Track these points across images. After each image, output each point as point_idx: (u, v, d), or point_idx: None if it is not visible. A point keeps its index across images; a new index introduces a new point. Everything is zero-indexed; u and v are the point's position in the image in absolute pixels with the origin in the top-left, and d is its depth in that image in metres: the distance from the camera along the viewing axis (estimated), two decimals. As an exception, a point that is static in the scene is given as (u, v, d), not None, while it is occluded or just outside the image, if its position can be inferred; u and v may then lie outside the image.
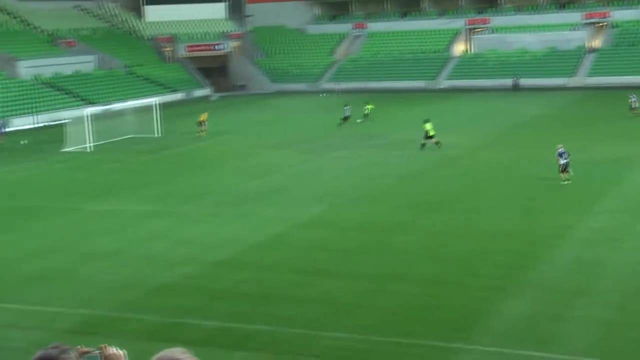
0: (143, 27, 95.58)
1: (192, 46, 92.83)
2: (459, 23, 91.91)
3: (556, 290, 20.74)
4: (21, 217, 31.74)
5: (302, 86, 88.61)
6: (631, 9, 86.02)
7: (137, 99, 65.43)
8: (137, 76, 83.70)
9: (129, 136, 54.51)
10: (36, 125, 53.95)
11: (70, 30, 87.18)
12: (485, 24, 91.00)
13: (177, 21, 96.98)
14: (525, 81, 79.97)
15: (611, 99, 65.57)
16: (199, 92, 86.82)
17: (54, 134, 55.40)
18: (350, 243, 25.98)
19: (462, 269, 22.85)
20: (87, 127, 50.01)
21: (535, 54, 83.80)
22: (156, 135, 54.26)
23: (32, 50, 79.08)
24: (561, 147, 33.99)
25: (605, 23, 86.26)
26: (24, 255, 25.99)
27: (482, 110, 62.86)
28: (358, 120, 56.87)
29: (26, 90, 71.33)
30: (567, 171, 33.66)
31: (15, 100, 68.78)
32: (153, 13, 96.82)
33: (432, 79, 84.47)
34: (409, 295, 20.80)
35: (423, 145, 44.17)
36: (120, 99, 68.71)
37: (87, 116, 50.69)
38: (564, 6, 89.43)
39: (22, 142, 53.45)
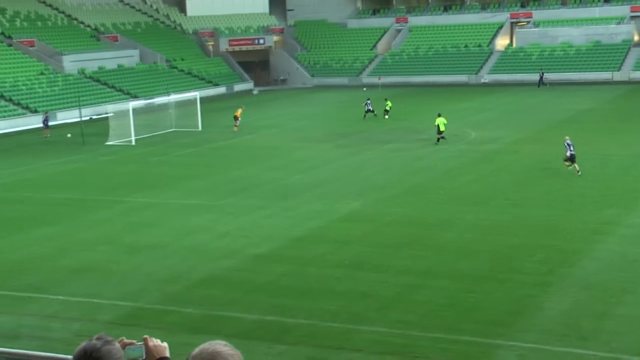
0: (185, 22, 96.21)
1: (233, 40, 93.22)
2: (502, 17, 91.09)
3: (599, 287, 20.50)
4: (67, 209, 32.18)
5: (343, 80, 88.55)
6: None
7: (179, 93, 65.92)
8: (179, 70, 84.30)
9: (171, 130, 54.95)
10: (82, 119, 54.53)
11: (113, 25, 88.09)
12: (528, 17, 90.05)
13: (219, 15, 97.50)
14: (569, 76, 79.13)
15: (657, 93, 64.56)
16: (240, 86, 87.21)
17: (99, 128, 56.05)
18: (391, 238, 25.92)
19: (504, 264, 22.68)
20: (131, 121, 50.50)
21: (579, 48, 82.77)
22: (198, 129, 54.62)
23: (76, 45, 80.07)
24: (568, 139, 35.07)
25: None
26: (69, 247, 26.35)
27: (525, 105, 62.27)
28: (386, 117, 56.56)
29: (71, 84, 72.28)
30: (573, 162, 34.51)
31: (60, 94, 69.75)
32: (195, 7, 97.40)
33: (475, 74, 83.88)
34: (450, 291, 20.69)
35: (438, 139, 44.35)
36: (162, 93, 69.28)
37: (131, 110, 51.18)
38: (609, 0, 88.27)
39: (67, 136, 54.13)
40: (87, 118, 61.79)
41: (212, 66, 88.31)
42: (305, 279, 22.13)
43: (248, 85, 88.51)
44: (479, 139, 45.87)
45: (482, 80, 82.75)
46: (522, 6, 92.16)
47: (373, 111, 57.79)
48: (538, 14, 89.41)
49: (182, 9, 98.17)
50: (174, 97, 60.82)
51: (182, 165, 41.67)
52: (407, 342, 17.61)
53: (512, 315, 18.85)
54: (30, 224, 29.65)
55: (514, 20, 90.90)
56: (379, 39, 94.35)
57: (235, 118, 53.70)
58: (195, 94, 59.56)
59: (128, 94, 74.44)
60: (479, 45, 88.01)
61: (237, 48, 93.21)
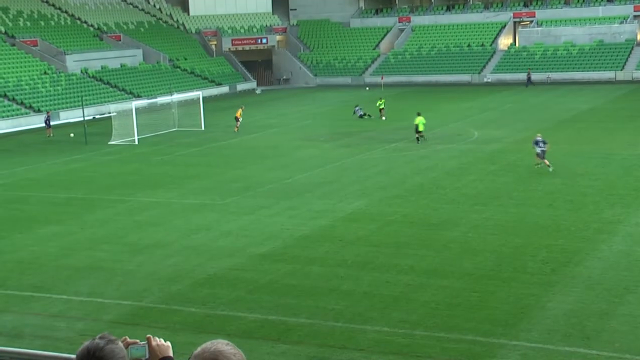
0: (188, 21, 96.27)
1: (236, 40, 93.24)
2: (504, 16, 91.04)
3: (603, 286, 20.47)
4: (70, 209, 32.21)
5: (346, 80, 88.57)
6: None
7: (182, 93, 65.97)
8: (182, 70, 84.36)
9: (174, 129, 54.99)
10: (86, 118, 54.58)
11: (116, 25, 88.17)
12: (531, 17, 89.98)
13: (222, 15, 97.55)
14: (573, 75, 79.13)
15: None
16: (243, 86, 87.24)
17: (102, 127, 56.11)
18: (395, 237, 25.91)
19: (507, 264, 22.66)
20: (134, 120, 50.54)
21: (582, 47, 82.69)
22: (201, 128, 54.66)
23: (79, 44, 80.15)
24: (539, 136, 35.97)
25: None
26: (72, 247, 26.38)
27: (529, 105, 62.22)
28: (383, 118, 56.14)
29: (74, 83, 72.35)
30: (544, 159, 35.24)
31: (64, 94, 69.82)
32: (198, 6, 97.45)
33: (478, 73, 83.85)
34: (453, 291, 20.68)
35: (418, 139, 44.67)
36: (165, 93, 69.35)
37: (133, 109, 51.22)
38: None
39: (70, 135, 54.17)
40: (90, 117, 61.84)
41: (215, 66, 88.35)
42: (308, 279, 22.13)
43: (251, 84, 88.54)
44: (482, 138, 45.85)
45: (485, 80, 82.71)
46: (525, 5, 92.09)
47: (364, 115, 57.49)
48: (541, 14, 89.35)
49: (185, 8, 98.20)
50: (176, 97, 60.87)
51: (185, 165, 41.69)
52: (410, 342, 17.60)
53: (515, 314, 18.83)
54: (33, 224, 29.67)
55: (517, 19, 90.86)
56: (382, 39, 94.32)
57: (236, 119, 53.55)
58: (198, 94, 59.60)
59: (131, 93, 74.49)
60: (482, 45, 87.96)
61: (239, 47, 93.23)
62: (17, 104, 65.93)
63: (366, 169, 38.28)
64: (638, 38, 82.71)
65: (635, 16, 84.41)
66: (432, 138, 46.47)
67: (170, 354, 4.10)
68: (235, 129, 52.86)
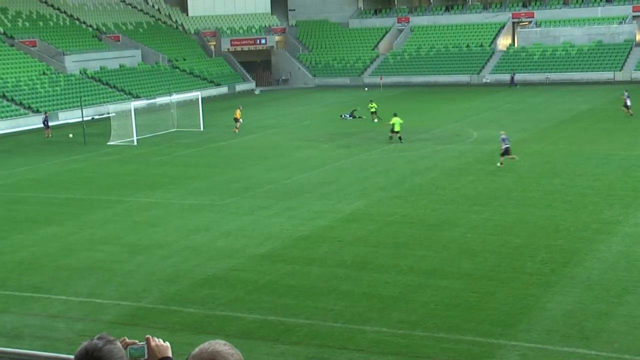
0: (187, 22, 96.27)
1: (235, 40, 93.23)
2: (503, 17, 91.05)
3: (602, 287, 20.48)
4: (69, 209, 32.20)
5: (345, 80, 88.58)
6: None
7: (181, 93, 65.96)
8: (181, 70, 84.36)
9: (173, 130, 54.99)
10: (84, 119, 54.56)
11: (115, 25, 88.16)
12: (530, 17, 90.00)
13: (221, 15, 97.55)
14: (571, 75, 79.18)
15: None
16: (242, 87, 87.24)
17: (101, 128, 56.11)
18: (394, 237, 25.92)
19: (507, 264, 22.67)
20: (133, 121, 50.53)
21: (581, 47, 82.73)
22: (200, 129, 54.65)
23: (78, 45, 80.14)
24: (503, 134, 37.42)
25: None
26: (72, 247, 26.37)
27: (527, 105, 62.24)
28: (375, 120, 55.58)
29: (73, 84, 72.34)
30: (509, 155, 36.61)
31: (62, 94, 69.81)
32: (197, 7, 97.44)
33: (477, 73, 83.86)
34: (452, 291, 20.68)
35: (400, 138, 45.03)
36: (164, 93, 69.34)
37: (132, 110, 51.22)
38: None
39: (69, 136, 54.16)
40: (89, 118, 61.82)
41: (214, 66, 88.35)
42: (308, 279, 22.13)
43: (250, 85, 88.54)
44: (481, 138, 45.85)
45: (484, 80, 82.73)
46: (524, 6, 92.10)
47: (354, 117, 57.65)
48: (540, 14, 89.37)
49: (184, 9, 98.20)
50: (175, 97, 60.84)
51: (184, 165, 41.69)
52: (409, 342, 17.60)
53: (514, 315, 18.84)
54: (32, 224, 29.67)
55: (516, 20, 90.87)
56: (381, 39, 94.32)
57: (236, 120, 53.39)
58: (197, 94, 59.58)
59: (130, 94, 74.48)
60: (481, 45, 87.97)
61: (238, 48, 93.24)
62: (16, 104, 65.90)
63: (365, 169, 38.28)
64: (637, 38, 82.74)
65: (634, 16, 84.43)
66: (432, 138, 46.48)
67: (169, 354, 4.10)
68: (235, 130, 52.76)
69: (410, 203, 30.72)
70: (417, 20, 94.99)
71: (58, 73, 73.31)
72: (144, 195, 34.10)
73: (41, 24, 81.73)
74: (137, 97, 72.13)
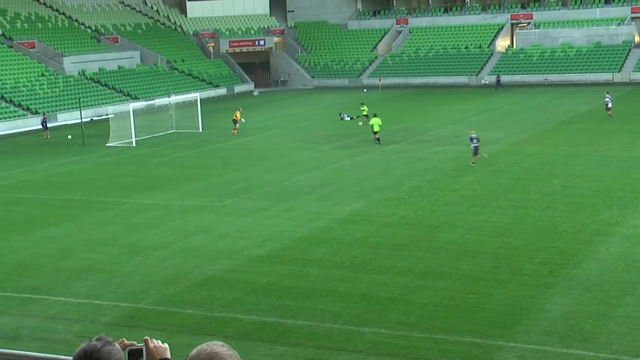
0: (186, 23, 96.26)
1: (234, 42, 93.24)
2: (502, 18, 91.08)
3: (600, 288, 20.48)
4: (67, 211, 32.19)
5: (344, 82, 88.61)
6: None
7: (179, 95, 65.95)
8: (180, 71, 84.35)
9: (171, 131, 54.98)
10: (83, 120, 54.53)
11: (114, 26, 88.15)
12: (529, 19, 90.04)
13: (220, 16, 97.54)
14: (570, 77, 79.24)
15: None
16: (241, 88, 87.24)
17: (99, 129, 56.10)
18: (393, 239, 25.92)
19: (505, 266, 22.67)
20: (131, 122, 50.53)
21: (580, 49, 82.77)
22: (199, 130, 54.64)
23: (77, 46, 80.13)
24: (473, 133, 38.31)
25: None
26: (70, 249, 26.36)
27: (526, 106, 62.27)
28: (360, 123, 55.32)
29: (71, 85, 72.33)
30: (477, 154, 37.48)
31: (61, 96, 69.79)
32: (196, 8, 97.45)
33: (475, 75, 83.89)
34: (451, 292, 20.68)
35: (378, 139, 45.62)
36: (163, 95, 69.33)
37: (131, 111, 51.21)
38: (610, 1, 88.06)
39: (68, 137, 54.14)
40: (88, 119, 61.80)
41: (213, 67, 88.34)
42: (306, 280, 22.13)
43: (248, 86, 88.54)
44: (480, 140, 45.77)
45: (483, 82, 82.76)
46: (523, 7, 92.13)
47: (352, 118, 57.71)
48: (538, 15, 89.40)
49: (183, 10, 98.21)
50: (174, 99, 60.84)
51: (182, 167, 41.68)
52: (407, 344, 17.60)
53: (513, 316, 18.84)
54: (31, 226, 29.66)
55: (515, 21, 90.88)
56: (380, 40, 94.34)
57: (234, 122, 53.26)
58: (196, 96, 59.58)
59: (128, 95, 74.47)
60: (480, 47, 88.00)
61: (237, 49, 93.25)
62: (15, 105, 65.88)
63: (364, 170, 38.28)
64: (635, 40, 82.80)
65: (632, 18, 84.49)
66: (430, 140, 46.49)
67: (168, 355, 4.10)
68: (234, 132, 52.64)
69: (409, 204, 30.72)
70: (415, 21, 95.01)
71: (57, 74, 73.29)
72: (143, 197, 34.10)
73: (40, 25, 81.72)
74: (136, 98, 72.12)
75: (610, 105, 52.48)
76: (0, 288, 22.60)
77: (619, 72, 78.68)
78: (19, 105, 66.12)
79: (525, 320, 18.54)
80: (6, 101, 65.97)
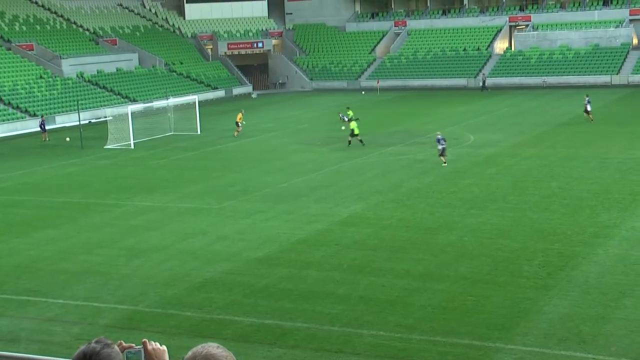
0: (184, 25, 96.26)
1: (232, 44, 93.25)
2: (500, 20, 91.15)
3: (599, 290, 20.49)
4: (66, 213, 32.17)
5: (342, 84, 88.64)
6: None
7: (178, 97, 65.95)
8: (178, 74, 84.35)
9: (170, 133, 54.97)
10: (81, 122, 54.50)
11: (112, 29, 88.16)
12: (527, 21, 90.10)
13: (218, 19, 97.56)
14: (568, 79, 79.31)
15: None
16: (239, 90, 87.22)
17: (97, 131, 56.08)
18: (392, 241, 25.92)
19: (504, 268, 22.67)
20: (130, 125, 50.51)
21: (578, 51, 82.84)
22: (197, 132, 54.64)
23: (75, 49, 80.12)
24: (439, 134, 39.52)
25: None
26: (68, 251, 26.34)
27: (524, 109, 62.28)
28: (342, 128, 54.75)
29: (70, 87, 72.31)
30: (444, 155, 38.57)
31: (59, 98, 69.77)
32: (194, 11, 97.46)
33: (473, 77, 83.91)
34: (449, 294, 20.69)
35: (361, 141, 45.56)
36: (161, 97, 69.31)
37: (129, 113, 51.20)
38: (608, 3, 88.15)
39: (66, 139, 54.13)
40: (86, 122, 61.78)
41: (211, 70, 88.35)
42: (305, 283, 22.12)
43: (247, 88, 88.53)
44: (478, 142, 45.89)
45: (481, 84, 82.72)
46: (521, 9, 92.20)
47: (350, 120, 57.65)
48: (537, 18, 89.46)
49: (181, 12, 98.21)
50: (172, 101, 60.83)
51: (180, 169, 41.67)
52: (406, 346, 17.60)
53: (511, 318, 18.84)
54: (29, 228, 29.64)
55: (513, 23, 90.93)
56: (378, 43, 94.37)
57: (237, 124, 53.19)
58: (194, 98, 59.56)
59: (127, 97, 74.44)
60: (478, 49, 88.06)
61: (235, 52, 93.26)
62: (13, 108, 65.85)
63: (362, 173, 38.29)
64: (634, 42, 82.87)
65: (630, 20, 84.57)
66: (428, 142, 46.47)
67: (166, 358, 4.10)
68: (235, 134, 52.58)
69: (407, 207, 30.72)
70: (414, 23, 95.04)
71: (55, 77, 73.27)
72: (141, 199, 34.08)
73: (38, 27, 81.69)
74: (134, 100, 72.11)
75: (589, 108, 52.51)
76: (-1, 290, 22.59)
77: (617, 74, 78.74)
78: (18, 107, 66.09)
79: (523, 323, 18.54)
80: (4, 103, 65.94)
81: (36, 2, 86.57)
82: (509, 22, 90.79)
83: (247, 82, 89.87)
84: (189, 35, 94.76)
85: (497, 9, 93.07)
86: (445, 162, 38.46)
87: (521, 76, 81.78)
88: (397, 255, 24.34)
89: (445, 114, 61.01)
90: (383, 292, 21.01)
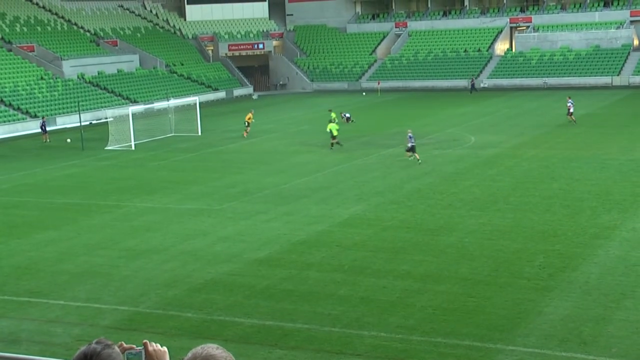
0: (185, 26, 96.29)
1: (233, 45, 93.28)
2: (501, 21, 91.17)
3: (600, 291, 20.48)
4: (66, 214, 32.17)
5: (343, 85, 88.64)
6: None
7: (178, 98, 65.95)
8: (179, 75, 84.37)
9: (170, 135, 54.97)
10: (82, 123, 54.51)
11: (113, 30, 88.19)
12: (528, 22, 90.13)
13: (219, 20, 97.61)
14: (569, 80, 79.31)
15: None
16: (240, 91, 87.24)
17: (98, 132, 56.10)
18: (392, 242, 25.92)
19: (505, 269, 22.66)
20: (130, 126, 50.52)
21: (579, 52, 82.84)
22: (198, 134, 54.65)
23: (76, 50, 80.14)
24: (410, 132, 40.47)
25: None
26: (69, 252, 26.33)
27: (525, 110, 62.29)
28: (328, 130, 54.41)
29: (70, 89, 72.33)
30: (414, 153, 39.72)
31: (60, 99, 69.79)
32: (195, 12, 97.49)
33: (474, 78, 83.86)
34: (450, 296, 20.68)
35: (332, 144, 45.91)
36: (162, 98, 69.32)
37: (130, 115, 51.22)
38: (609, 4, 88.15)
39: (67, 141, 54.15)
40: (87, 123, 61.80)
41: (212, 71, 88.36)
42: (305, 284, 22.11)
43: (247, 90, 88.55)
44: (478, 143, 45.88)
45: (482, 85, 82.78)
46: (522, 11, 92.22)
47: (350, 119, 57.88)
48: (537, 19, 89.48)
49: (182, 14, 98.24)
50: (173, 102, 60.85)
51: (181, 170, 41.68)
52: (407, 347, 17.59)
53: (512, 319, 18.83)
54: (29, 229, 29.64)
55: (514, 25, 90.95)
56: (379, 44, 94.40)
57: (247, 124, 53.11)
58: (195, 99, 59.59)
59: (127, 98, 74.46)
60: (479, 50, 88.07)
61: (236, 53, 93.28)
62: (14, 109, 65.88)
63: (363, 174, 38.28)
64: (634, 43, 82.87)
65: (631, 21, 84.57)
66: (429, 143, 46.50)
67: (167, 359, 4.09)
68: (245, 134, 52.42)
69: (408, 208, 30.72)
70: (414, 25, 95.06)
71: (56, 78, 73.30)
72: (142, 200, 34.08)
73: (39, 29, 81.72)
74: (135, 102, 72.13)
75: (572, 110, 52.48)
76: (0, 291, 22.60)
77: (618, 75, 78.73)
78: (18, 108, 66.12)
79: (524, 324, 18.53)
80: (5, 105, 65.96)
81: (37, 4, 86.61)
82: (510, 23, 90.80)
83: (247, 83, 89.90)
84: (190, 37, 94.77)
85: (498, 10, 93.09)
86: (419, 159, 39.33)
87: (522, 77, 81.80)
88: (398, 256, 24.33)
89: (446, 115, 61.00)
90: (384, 293, 21.00)
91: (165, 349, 4.11)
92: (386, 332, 18.34)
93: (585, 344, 17.24)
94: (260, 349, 17.73)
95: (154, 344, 4.10)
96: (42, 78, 72.23)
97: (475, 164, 39.56)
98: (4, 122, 62.92)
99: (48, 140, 55.26)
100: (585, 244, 24.92)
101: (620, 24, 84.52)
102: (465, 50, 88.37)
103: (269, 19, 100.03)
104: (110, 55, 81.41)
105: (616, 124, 51.56)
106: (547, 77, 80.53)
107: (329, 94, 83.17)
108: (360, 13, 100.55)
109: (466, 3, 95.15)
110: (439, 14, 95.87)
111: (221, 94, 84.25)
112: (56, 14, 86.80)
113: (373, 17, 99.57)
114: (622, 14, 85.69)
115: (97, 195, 35.74)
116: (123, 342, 4.05)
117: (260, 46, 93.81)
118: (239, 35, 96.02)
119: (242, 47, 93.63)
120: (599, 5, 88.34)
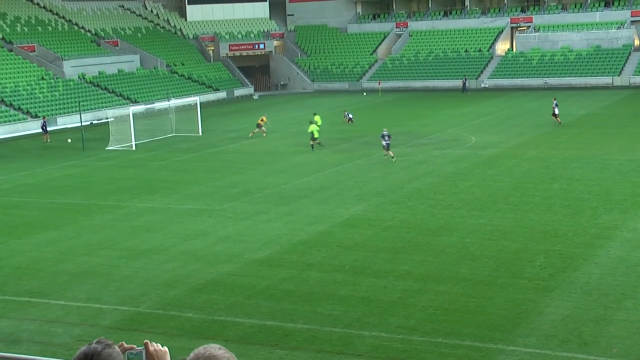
0: (186, 27, 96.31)
1: (234, 45, 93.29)
2: (502, 22, 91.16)
3: (600, 292, 20.47)
4: (67, 214, 32.18)
5: (343, 85, 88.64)
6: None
7: (179, 98, 65.95)
8: (180, 75, 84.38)
9: (171, 135, 54.98)
10: (83, 124, 54.53)
11: (113, 30, 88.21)
12: (528, 22, 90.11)
13: (220, 20, 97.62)
14: (570, 80, 79.32)
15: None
16: (241, 92, 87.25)
17: (99, 132, 56.11)
18: (393, 242, 25.91)
19: (505, 269, 22.66)
20: (131, 126, 50.54)
21: (580, 52, 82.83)
22: (199, 134, 54.66)
23: (76, 50, 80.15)
24: (385, 131, 41.45)
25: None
26: (70, 252, 26.34)
27: (526, 110, 62.28)
28: (309, 131, 54.28)
29: (71, 89, 72.34)
30: (389, 151, 40.85)
31: (61, 99, 69.81)
32: (196, 12, 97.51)
33: (475, 78, 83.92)
34: (451, 296, 20.67)
35: (312, 146, 46.29)
36: (162, 98, 69.34)
37: (131, 115, 51.23)
38: (610, 4, 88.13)
39: (68, 141, 54.16)
40: (88, 123, 61.81)
41: (213, 71, 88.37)
42: (306, 284, 22.11)
43: (248, 90, 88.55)
44: (479, 143, 45.87)
45: (483, 85, 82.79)
46: (523, 11, 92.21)
47: (351, 120, 57.90)
48: (538, 19, 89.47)
49: (183, 14, 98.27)
50: (174, 102, 60.87)
51: (182, 170, 41.68)
52: (407, 347, 17.59)
53: (513, 320, 18.83)
54: (30, 229, 29.64)
55: (514, 25, 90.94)
56: (379, 44, 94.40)
57: (259, 125, 52.99)
58: (195, 99, 59.62)
59: (128, 99, 74.48)
60: (479, 50, 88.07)
61: (237, 53, 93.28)
62: (15, 109, 65.90)
63: (363, 174, 38.28)
64: (635, 43, 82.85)
65: (632, 21, 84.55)
66: (430, 143, 46.51)
67: (168, 359, 4.09)
68: (264, 134, 52.29)
69: (409, 208, 30.71)
70: (415, 25, 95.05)
71: (57, 78, 73.32)
72: (142, 200, 34.09)
73: (40, 29, 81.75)
74: (136, 102, 72.14)
75: (557, 111, 52.45)
76: (0, 292, 22.58)
77: (618, 75, 78.72)
78: (19, 108, 66.14)
79: (525, 324, 18.53)
80: (6, 105, 65.98)
81: (38, 4, 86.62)
82: (511, 23, 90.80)
83: (248, 83, 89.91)
84: (191, 37, 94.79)
85: (499, 10, 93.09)
86: (393, 157, 40.41)
87: (522, 77, 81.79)
88: (399, 256, 24.32)
89: (446, 115, 61.00)
90: (384, 294, 20.99)
91: (166, 349, 4.11)
92: (387, 332, 18.34)
93: (586, 344, 17.23)
94: (261, 349, 17.72)
95: (154, 344, 4.09)
96: (42, 78, 72.25)
97: (476, 164, 39.56)
98: (5, 122, 62.95)
99: (49, 140, 55.28)
100: (586, 244, 24.91)
101: (621, 24, 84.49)
102: (466, 51, 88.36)
103: (270, 19, 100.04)
104: (111, 56, 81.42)
105: (617, 124, 51.55)
106: (548, 77, 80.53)
107: (330, 94, 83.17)
108: (361, 13, 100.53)
109: (467, 3, 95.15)
110: (439, 14, 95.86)
111: (222, 94, 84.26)
112: (57, 14, 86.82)
113: (374, 17, 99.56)
114: (622, 14, 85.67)
115: (97, 195, 35.74)
116: (124, 342, 4.05)
117: (261, 46, 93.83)
118: (239, 36, 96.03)
119: (242, 47, 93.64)
120: (599, 5, 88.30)
